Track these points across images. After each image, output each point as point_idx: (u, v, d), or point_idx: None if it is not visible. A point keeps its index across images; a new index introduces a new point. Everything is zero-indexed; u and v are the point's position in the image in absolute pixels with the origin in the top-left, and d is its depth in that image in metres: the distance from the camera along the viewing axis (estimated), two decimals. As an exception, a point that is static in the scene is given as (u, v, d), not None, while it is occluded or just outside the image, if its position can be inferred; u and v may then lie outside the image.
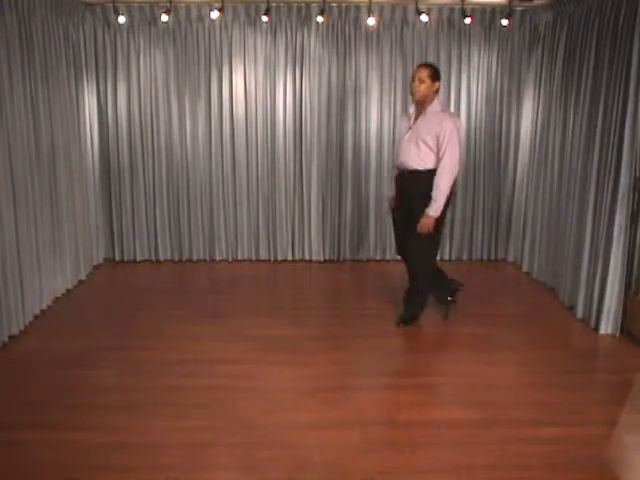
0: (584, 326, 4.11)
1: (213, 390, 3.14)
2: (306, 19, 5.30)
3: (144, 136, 5.48)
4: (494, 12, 5.30)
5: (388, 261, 5.68)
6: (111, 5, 5.05)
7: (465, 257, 5.80)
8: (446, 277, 4.27)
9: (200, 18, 5.28)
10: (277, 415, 2.90)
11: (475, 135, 5.57)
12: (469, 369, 3.44)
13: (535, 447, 2.63)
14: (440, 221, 3.85)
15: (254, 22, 5.30)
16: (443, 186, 3.72)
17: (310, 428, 2.78)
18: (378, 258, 5.74)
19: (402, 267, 4.40)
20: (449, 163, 3.71)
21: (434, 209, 3.74)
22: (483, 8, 5.28)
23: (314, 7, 5.21)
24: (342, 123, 5.51)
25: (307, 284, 5.27)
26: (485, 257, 5.81)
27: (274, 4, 5.15)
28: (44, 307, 4.31)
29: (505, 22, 5.05)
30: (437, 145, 3.73)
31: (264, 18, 4.99)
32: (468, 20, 5.03)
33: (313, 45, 5.37)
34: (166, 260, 5.71)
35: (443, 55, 5.41)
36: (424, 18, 4.99)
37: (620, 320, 3.91)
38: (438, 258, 5.68)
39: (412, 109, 3.94)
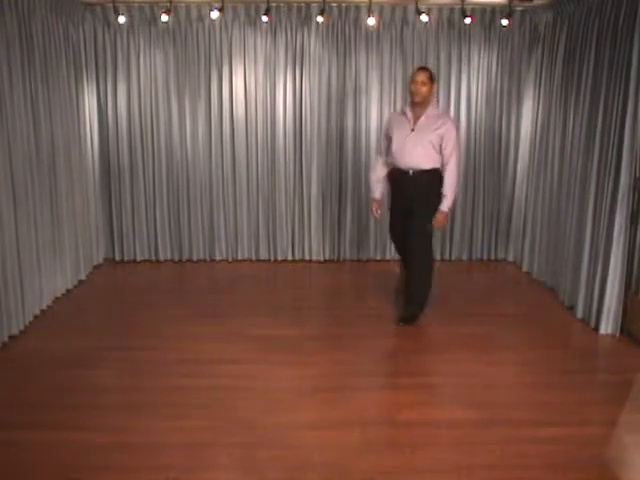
0: (584, 326, 4.11)
1: (213, 390, 3.14)
2: (306, 19, 5.30)
3: (144, 136, 5.48)
4: (494, 12, 5.30)
5: (388, 261, 5.68)
6: (111, 5, 5.05)
7: (465, 257, 5.80)
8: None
9: (200, 18, 5.28)
10: (277, 415, 2.90)
11: (475, 135, 5.57)
12: (469, 369, 3.44)
13: (535, 447, 2.63)
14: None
15: (254, 22, 5.30)
16: (454, 181, 3.95)
17: (310, 428, 2.78)
18: (378, 258, 5.74)
19: (399, 266, 4.42)
20: (456, 161, 3.94)
21: (447, 204, 3.97)
22: (483, 8, 5.28)
23: (314, 7, 5.21)
24: (342, 123, 5.51)
25: (307, 284, 5.27)
26: (485, 257, 5.81)
27: (274, 4, 5.15)
28: (44, 307, 4.31)
29: (505, 22, 5.05)
30: (440, 144, 3.92)
31: (264, 18, 4.99)
32: (468, 20, 5.03)
33: (313, 45, 5.37)
34: (166, 260, 5.71)
35: (443, 55, 5.41)
36: (424, 18, 4.99)
37: (620, 320, 3.91)
38: (438, 258, 5.76)
39: (409, 111, 4.00)
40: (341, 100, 5.48)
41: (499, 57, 5.44)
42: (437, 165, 3.96)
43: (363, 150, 5.55)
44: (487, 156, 5.62)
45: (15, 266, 3.86)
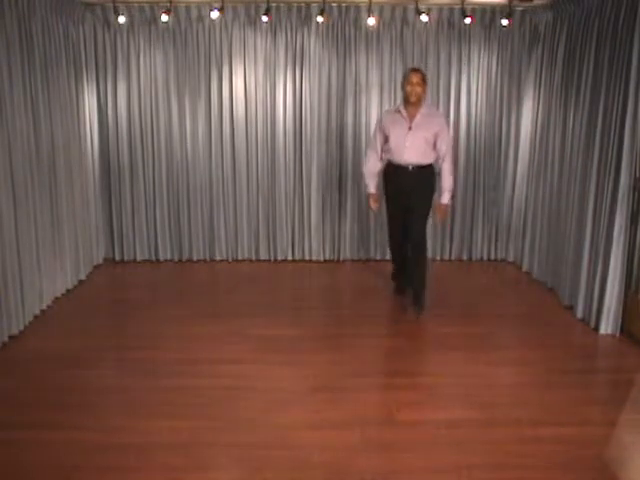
0: (584, 326, 4.11)
1: (213, 390, 3.14)
2: (306, 19, 5.30)
3: (144, 136, 5.48)
4: (494, 12, 5.30)
5: (388, 261, 5.67)
6: (111, 5, 5.05)
7: (465, 257, 5.80)
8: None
9: (200, 18, 5.28)
10: (277, 415, 2.90)
11: (475, 135, 5.57)
12: (469, 369, 3.44)
13: (535, 447, 2.63)
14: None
15: (254, 22, 5.30)
16: (451, 174, 4.27)
17: (310, 428, 2.78)
18: (378, 258, 5.74)
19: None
20: (451, 156, 4.28)
21: (448, 196, 4.30)
22: (483, 8, 5.28)
23: (314, 7, 5.21)
24: (342, 123, 5.51)
25: (307, 284, 5.27)
26: (485, 257, 5.81)
27: (274, 4, 5.15)
28: (44, 307, 4.31)
29: (505, 22, 5.04)
30: (434, 141, 4.21)
31: (264, 18, 4.99)
32: (468, 20, 5.03)
33: (313, 45, 5.37)
34: (166, 260, 5.71)
35: (443, 55, 5.41)
36: (424, 18, 4.98)
37: (620, 320, 3.91)
38: (438, 258, 5.76)
39: (404, 110, 4.20)
40: (341, 100, 5.48)
41: (499, 57, 5.44)
42: (432, 161, 4.26)
43: (363, 150, 5.54)
44: (487, 156, 5.61)
45: (15, 266, 3.86)
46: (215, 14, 4.93)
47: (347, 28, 5.34)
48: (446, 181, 4.25)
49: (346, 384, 3.24)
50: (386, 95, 5.45)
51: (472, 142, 5.57)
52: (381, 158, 4.39)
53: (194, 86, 5.42)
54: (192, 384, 3.22)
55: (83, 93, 5.17)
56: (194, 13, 5.27)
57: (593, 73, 4.14)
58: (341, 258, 5.76)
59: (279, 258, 5.73)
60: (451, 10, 5.27)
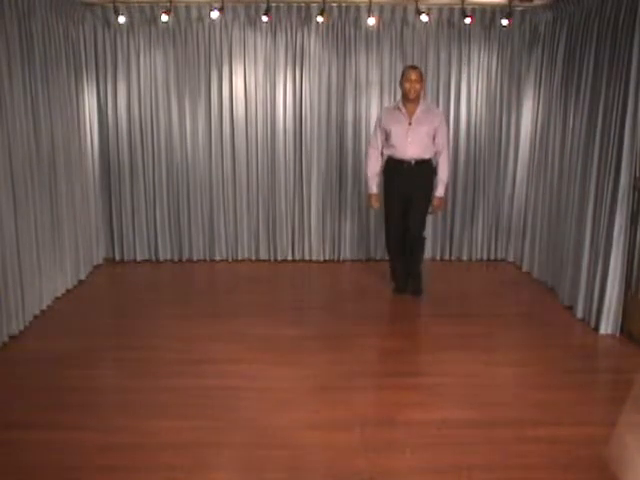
0: (584, 326, 4.11)
1: (213, 390, 3.14)
2: (306, 19, 5.30)
3: (144, 136, 5.48)
4: (494, 12, 5.30)
5: (387, 261, 5.67)
6: (111, 5, 5.05)
7: (465, 257, 5.80)
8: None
9: (200, 18, 5.28)
10: (277, 415, 2.90)
11: (475, 135, 5.57)
12: (469, 369, 3.44)
13: (535, 447, 2.63)
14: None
15: (254, 22, 5.30)
16: (447, 166, 4.47)
17: (310, 428, 2.78)
18: (378, 258, 5.73)
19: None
20: (448, 149, 4.50)
21: (443, 189, 4.49)
22: (483, 8, 5.28)
23: (314, 7, 5.21)
24: (342, 123, 5.51)
25: (307, 284, 5.27)
26: (485, 257, 5.81)
27: (274, 4, 5.15)
28: (44, 307, 4.31)
29: (505, 22, 5.05)
30: (433, 135, 4.38)
31: (264, 18, 4.99)
32: (468, 20, 5.03)
33: (313, 45, 5.37)
34: (166, 260, 5.70)
35: (443, 55, 5.41)
36: (424, 18, 4.99)
37: (620, 320, 3.91)
38: (438, 258, 5.76)
39: (403, 107, 4.35)
40: (341, 100, 5.47)
41: (499, 57, 5.44)
42: (432, 155, 4.44)
43: (363, 150, 5.54)
44: (487, 156, 5.61)
45: (15, 266, 3.86)
46: (215, 14, 4.93)
47: (347, 28, 5.34)
48: (442, 173, 4.44)
49: (346, 384, 3.24)
50: (386, 95, 5.45)
51: (472, 142, 5.57)
52: (382, 155, 4.50)
53: (194, 86, 5.42)
54: (192, 384, 3.22)
55: (83, 93, 5.17)
56: (194, 13, 5.27)
57: (593, 73, 4.14)
58: (341, 258, 5.76)
59: (279, 258, 5.72)
60: (451, 10, 5.27)
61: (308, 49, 5.37)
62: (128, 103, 5.42)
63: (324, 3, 5.03)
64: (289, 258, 5.74)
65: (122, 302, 4.73)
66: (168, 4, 5.01)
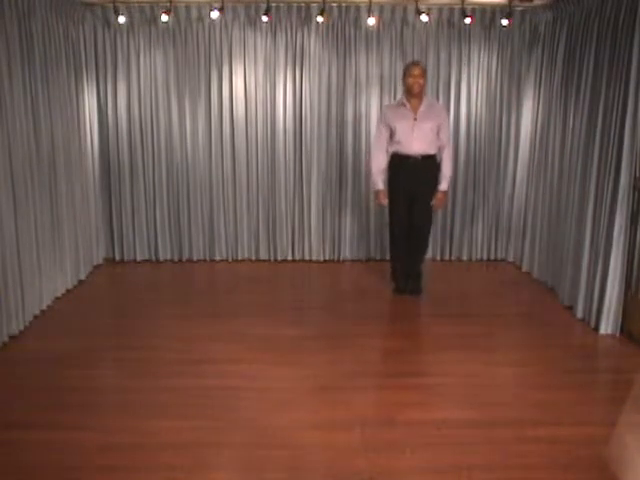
0: (584, 326, 4.11)
1: (213, 390, 3.14)
2: (306, 19, 5.30)
3: (144, 136, 5.48)
4: (494, 12, 5.30)
5: (388, 261, 5.67)
6: (111, 5, 5.05)
7: (465, 257, 5.80)
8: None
9: (200, 18, 5.28)
10: (277, 415, 2.90)
11: (475, 135, 5.57)
12: (469, 369, 3.44)
13: (535, 447, 2.63)
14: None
15: (254, 22, 5.30)
16: (451, 162, 4.54)
17: (310, 428, 2.78)
18: (378, 258, 5.74)
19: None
20: (450, 144, 4.54)
21: (446, 184, 4.53)
22: (483, 8, 5.28)
23: (314, 7, 5.21)
24: (342, 123, 5.51)
25: (307, 284, 5.27)
26: (485, 257, 5.81)
27: (274, 4, 5.15)
28: (44, 307, 4.31)
29: (505, 22, 5.05)
30: (437, 131, 4.41)
31: (264, 18, 4.99)
32: (468, 20, 5.03)
33: (313, 45, 5.37)
34: (166, 260, 5.70)
35: (443, 55, 5.41)
36: (424, 18, 4.98)
37: (620, 320, 3.91)
38: (438, 258, 5.76)
39: (407, 103, 4.37)
40: (341, 100, 5.47)
41: (499, 57, 5.44)
42: (436, 150, 4.45)
43: (363, 150, 5.55)
44: (487, 156, 5.61)
45: (15, 266, 3.86)
46: (215, 14, 4.93)
47: (347, 28, 5.34)
48: (446, 168, 4.48)
49: (346, 384, 3.24)
50: (386, 95, 5.45)
51: (472, 142, 5.57)
52: (387, 151, 4.50)
53: (194, 86, 5.42)
54: (192, 384, 3.22)
55: (83, 93, 5.17)
56: (194, 13, 5.27)
57: (593, 73, 4.14)
58: (341, 258, 5.76)
59: (279, 258, 5.72)
60: (451, 10, 5.27)
61: (308, 49, 5.37)
62: (128, 103, 5.42)
63: (324, 3, 5.03)
64: (289, 258, 5.74)
65: (122, 302, 4.73)
66: (168, 4, 5.01)
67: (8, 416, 2.89)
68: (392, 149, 4.48)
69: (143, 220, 5.62)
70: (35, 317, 4.16)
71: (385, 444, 2.67)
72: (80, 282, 4.99)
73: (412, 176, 4.41)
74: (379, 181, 4.54)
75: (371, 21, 4.94)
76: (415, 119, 4.36)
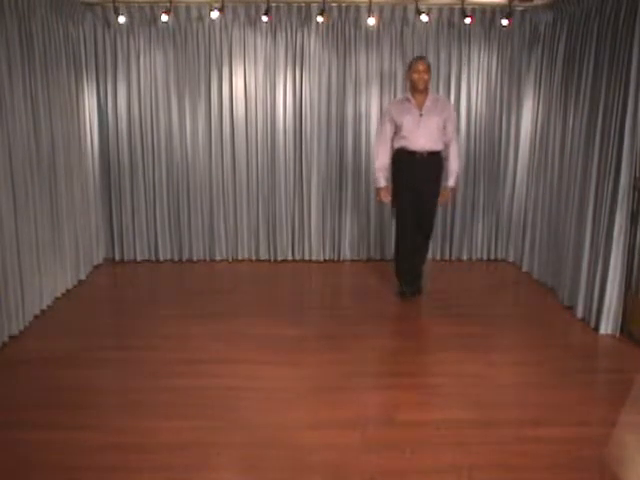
0: (584, 326, 4.11)
1: (213, 390, 3.14)
2: (306, 19, 5.30)
3: (144, 136, 5.48)
4: (494, 12, 5.30)
5: (388, 261, 5.68)
6: (111, 5, 5.05)
7: (465, 257, 5.80)
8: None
9: (200, 18, 5.28)
10: (277, 415, 2.90)
11: (475, 135, 5.57)
12: (469, 369, 3.44)
13: (535, 447, 2.63)
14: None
15: (254, 22, 5.30)
16: (457, 157, 4.46)
17: (310, 428, 2.78)
18: (378, 258, 5.74)
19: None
20: (457, 139, 4.49)
21: (454, 179, 4.46)
22: (483, 8, 5.28)
23: (314, 7, 5.21)
24: (342, 123, 5.51)
25: (307, 284, 5.27)
26: (485, 257, 5.81)
27: (274, 4, 5.15)
28: (44, 307, 4.31)
29: (505, 22, 5.05)
30: (444, 126, 4.34)
31: (264, 18, 4.99)
32: (468, 20, 5.03)
33: (313, 45, 5.37)
34: (166, 260, 5.70)
35: (443, 55, 5.41)
36: (424, 18, 4.98)
37: (620, 320, 3.91)
38: (438, 258, 5.76)
39: (412, 98, 4.31)
40: (341, 100, 5.47)
41: (499, 57, 5.44)
42: (442, 147, 4.38)
43: (363, 150, 5.55)
44: (487, 156, 5.61)
45: (15, 266, 3.86)
46: (215, 14, 4.93)
47: (347, 28, 5.34)
48: (453, 164, 4.42)
49: (346, 384, 3.24)
50: (386, 95, 5.45)
51: (472, 142, 5.57)
52: (391, 148, 4.43)
53: (194, 86, 5.42)
54: (192, 384, 3.22)
55: (83, 93, 5.17)
56: (194, 13, 5.27)
57: (593, 73, 4.14)
58: (341, 258, 5.76)
59: (279, 258, 5.72)
60: (451, 10, 5.27)
61: (308, 49, 5.37)
62: (128, 103, 5.42)
63: (324, 3, 5.03)
64: (289, 258, 5.74)
65: (122, 302, 4.73)
66: (168, 4, 5.01)
67: (8, 416, 2.89)
68: (397, 145, 4.37)
69: (143, 220, 5.62)
70: (35, 317, 4.16)
71: (385, 444, 2.67)
72: (80, 282, 4.99)
73: (418, 173, 4.33)
74: (381, 178, 4.43)
75: (371, 21, 4.94)
76: (421, 115, 4.29)
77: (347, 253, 5.75)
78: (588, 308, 4.12)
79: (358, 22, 5.31)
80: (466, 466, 2.49)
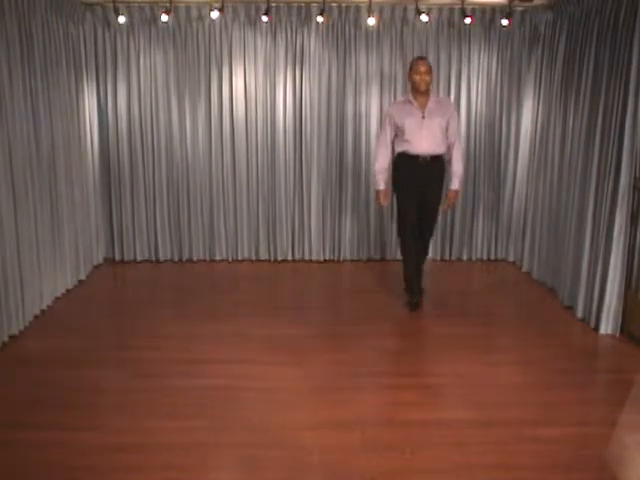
0: (584, 326, 4.11)
1: (213, 390, 3.14)
2: (306, 19, 5.30)
3: (144, 136, 5.48)
4: (494, 12, 5.30)
5: (388, 261, 5.68)
6: (111, 5, 5.05)
7: (465, 257, 5.80)
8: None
9: (200, 18, 5.28)
10: (277, 415, 2.90)
11: (475, 135, 5.57)
12: (469, 369, 3.44)
13: (535, 447, 2.63)
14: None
15: (254, 22, 5.30)
16: (461, 159, 4.33)
17: (310, 428, 2.78)
18: (378, 258, 5.74)
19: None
20: (459, 141, 4.37)
21: (458, 182, 4.35)
22: (483, 8, 5.28)
23: (314, 7, 5.21)
24: (342, 123, 5.51)
25: (307, 284, 5.27)
26: (485, 257, 5.81)
27: (274, 4, 5.15)
28: (44, 307, 4.31)
29: (505, 22, 5.05)
30: (446, 128, 4.23)
31: (264, 18, 4.99)
32: (468, 20, 5.03)
33: (313, 45, 5.37)
34: (166, 260, 5.70)
35: (443, 55, 5.41)
36: (424, 18, 4.98)
37: (620, 320, 3.91)
38: (438, 258, 5.76)
39: (414, 100, 4.19)
40: (341, 100, 5.47)
41: (499, 57, 5.44)
42: (444, 150, 4.26)
43: (363, 150, 5.55)
44: (487, 156, 5.61)
45: (15, 266, 3.86)
46: (215, 14, 4.93)
47: (347, 28, 5.34)
48: (457, 166, 4.30)
49: (346, 384, 3.24)
50: (386, 95, 5.45)
51: (472, 142, 5.57)
52: (392, 151, 4.33)
53: (194, 86, 5.42)
54: (192, 384, 3.22)
55: (83, 93, 5.17)
56: (194, 13, 5.27)
57: (593, 73, 4.14)
58: (341, 258, 5.76)
59: (279, 258, 5.72)
60: (451, 10, 5.27)
61: (308, 49, 5.37)
62: (128, 103, 5.42)
63: (324, 3, 5.03)
64: (289, 258, 5.74)
65: (122, 302, 4.73)
66: (168, 4, 5.01)
67: (8, 416, 2.89)
68: (400, 149, 4.26)
69: (143, 220, 5.62)
70: (35, 317, 4.16)
71: (385, 444, 2.67)
72: (80, 282, 4.99)
73: (421, 177, 4.20)
74: (381, 181, 4.33)
75: (371, 21, 4.94)
76: (423, 117, 4.14)
77: (347, 253, 5.75)
78: (588, 308, 4.12)
79: (358, 22, 5.31)
80: (466, 466, 2.49)
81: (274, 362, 3.51)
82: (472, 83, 5.49)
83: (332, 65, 5.41)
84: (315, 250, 5.72)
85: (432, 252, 5.65)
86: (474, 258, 5.80)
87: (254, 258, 5.74)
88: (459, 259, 5.80)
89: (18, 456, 2.56)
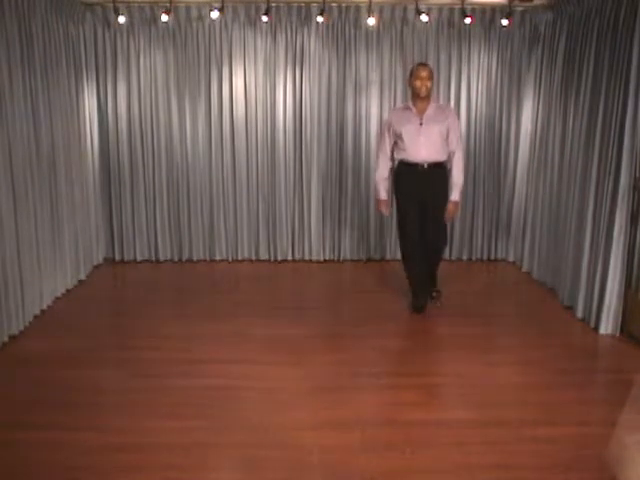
0: (584, 326, 4.11)
1: (213, 390, 3.14)
2: (306, 19, 5.30)
3: (144, 136, 5.48)
4: (494, 12, 5.30)
5: (388, 261, 5.68)
6: (111, 5, 5.05)
7: (465, 257, 5.80)
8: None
9: (200, 18, 5.28)
10: (277, 415, 2.90)
11: (475, 135, 5.57)
12: (469, 369, 3.44)
13: (535, 447, 2.63)
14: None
15: (254, 22, 5.30)
16: (462, 169, 4.18)
17: (310, 428, 2.78)
18: (378, 258, 5.74)
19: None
20: (462, 149, 4.23)
21: (458, 193, 4.19)
22: (483, 8, 5.28)
23: (314, 7, 5.21)
24: (342, 123, 5.51)
25: (307, 284, 5.27)
26: (485, 257, 5.81)
27: (274, 4, 5.15)
28: (44, 307, 4.31)
29: (505, 22, 5.05)
30: (447, 135, 4.11)
31: (264, 18, 4.99)
32: (468, 20, 5.03)
33: (313, 45, 5.37)
34: (166, 260, 5.70)
35: (443, 55, 5.41)
36: (424, 18, 4.98)
37: (620, 320, 3.91)
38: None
39: (413, 106, 4.12)
40: (341, 100, 5.47)
41: (499, 57, 5.44)
42: (445, 158, 4.15)
43: (363, 150, 5.55)
44: (487, 156, 5.61)
45: (15, 266, 3.86)
46: (215, 14, 4.93)
47: (347, 28, 5.34)
48: (457, 176, 4.16)
49: (346, 384, 3.24)
50: (386, 95, 5.46)
51: (472, 142, 5.57)
52: (392, 159, 4.25)
53: (194, 86, 5.42)
54: (192, 384, 3.22)
55: (83, 93, 5.17)
56: (194, 13, 5.27)
57: (593, 73, 4.14)
58: (341, 258, 5.76)
59: (279, 258, 5.72)
60: (451, 10, 5.27)
61: (308, 49, 5.37)
62: (128, 103, 5.42)
63: (324, 3, 5.03)
64: (289, 258, 5.74)
65: (122, 302, 4.73)
66: (168, 4, 5.01)
67: (8, 416, 2.89)
68: (399, 156, 4.18)
69: (143, 220, 5.62)
70: (35, 317, 4.16)
71: (385, 444, 2.67)
72: (80, 282, 4.99)
73: (420, 186, 4.09)
74: (381, 190, 4.28)
75: (371, 21, 4.94)
76: (421, 124, 4.05)
77: (347, 253, 5.75)
78: (588, 308, 4.12)
79: (358, 22, 5.31)
80: (466, 466, 2.49)
81: (274, 362, 3.51)
82: (472, 83, 5.49)
83: (332, 65, 5.41)
84: (315, 250, 5.72)
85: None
86: (474, 258, 5.80)
87: (254, 258, 5.74)
88: (459, 259, 5.80)
89: (18, 456, 2.56)
